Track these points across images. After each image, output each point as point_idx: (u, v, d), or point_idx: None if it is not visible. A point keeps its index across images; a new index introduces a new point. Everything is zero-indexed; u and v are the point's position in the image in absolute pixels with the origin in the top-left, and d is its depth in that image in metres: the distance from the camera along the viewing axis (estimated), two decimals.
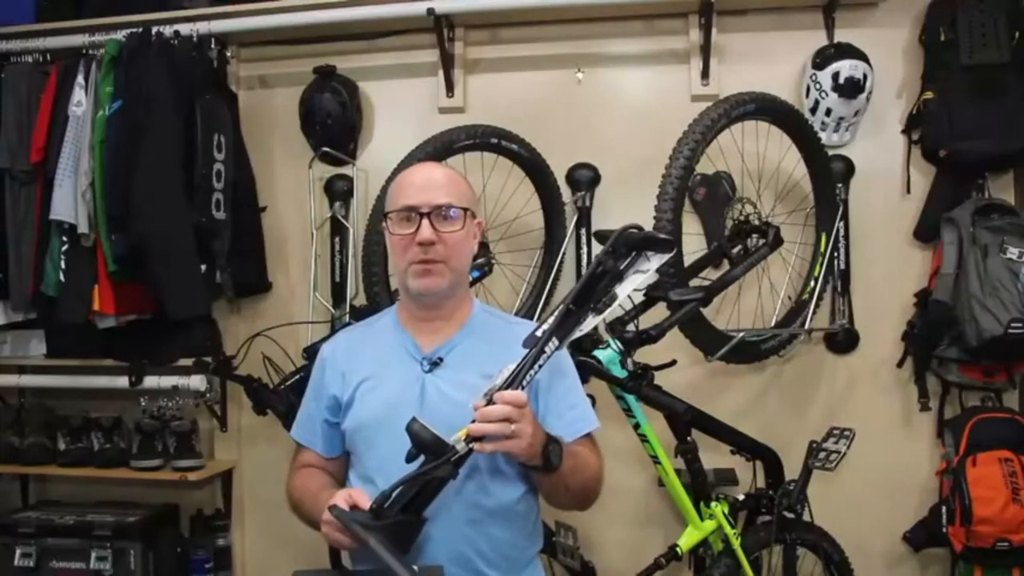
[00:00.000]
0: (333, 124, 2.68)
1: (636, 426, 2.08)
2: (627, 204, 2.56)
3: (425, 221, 1.44)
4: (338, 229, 2.73)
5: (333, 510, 1.27)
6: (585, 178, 2.63)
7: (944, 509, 2.33)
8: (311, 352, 2.25)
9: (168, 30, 2.58)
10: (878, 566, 2.51)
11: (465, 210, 1.48)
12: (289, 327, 2.56)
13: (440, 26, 2.58)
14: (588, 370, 1.92)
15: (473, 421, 1.25)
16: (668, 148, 2.07)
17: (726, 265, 2.30)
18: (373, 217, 2.20)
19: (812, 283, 2.41)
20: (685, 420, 2.14)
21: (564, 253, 2.55)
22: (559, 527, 2.28)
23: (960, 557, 2.33)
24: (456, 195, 1.48)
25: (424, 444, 1.23)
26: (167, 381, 2.69)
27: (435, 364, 1.48)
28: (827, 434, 2.25)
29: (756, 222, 2.37)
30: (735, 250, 2.32)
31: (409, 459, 1.25)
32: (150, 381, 2.70)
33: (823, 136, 2.45)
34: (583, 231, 2.62)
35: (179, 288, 2.43)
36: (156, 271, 2.40)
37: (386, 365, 1.51)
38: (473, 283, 2.22)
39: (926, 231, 2.51)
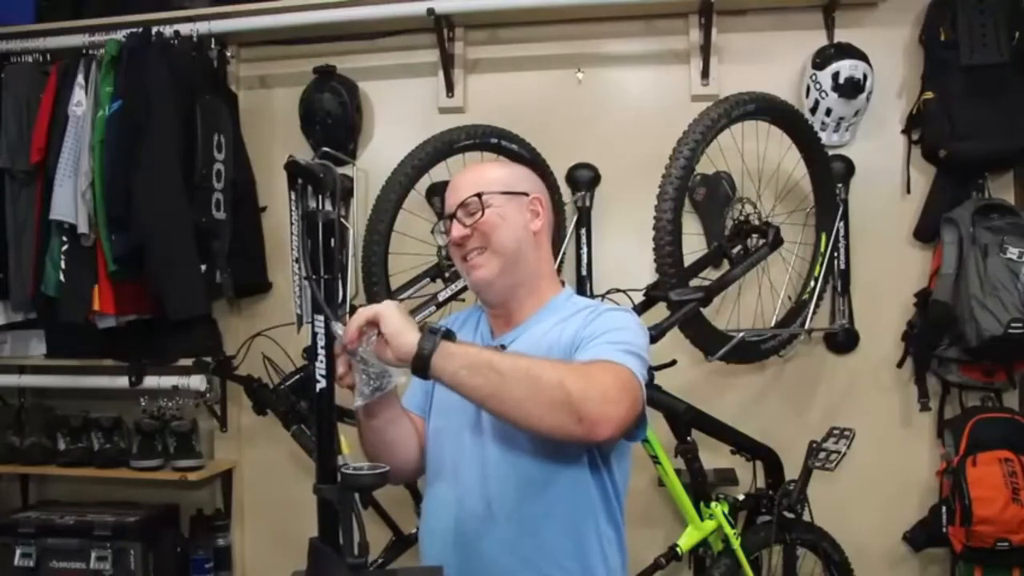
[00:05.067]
0: (333, 124, 2.68)
1: None
2: (627, 204, 2.57)
3: (454, 222, 1.43)
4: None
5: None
6: (585, 178, 2.63)
7: (944, 509, 2.33)
8: (311, 352, 2.25)
9: (168, 30, 2.58)
10: (878, 566, 2.51)
11: (486, 195, 1.41)
12: (289, 327, 2.56)
13: (440, 26, 2.58)
14: None
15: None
16: (668, 148, 2.07)
17: (726, 265, 2.30)
18: (373, 217, 2.20)
19: (812, 283, 2.41)
20: (685, 420, 2.15)
21: (564, 253, 2.55)
22: None
23: (960, 557, 2.33)
24: (480, 183, 1.44)
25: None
26: (167, 381, 2.69)
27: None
28: (827, 434, 2.24)
29: (756, 222, 2.37)
30: (735, 250, 2.31)
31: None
32: (150, 381, 2.71)
33: (823, 136, 2.44)
34: (583, 231, 2.62)
35: (179, 288, 2.43)
36: (156, 271, 2.40)
37: None
38: None
39: (926, 231, 2.51)
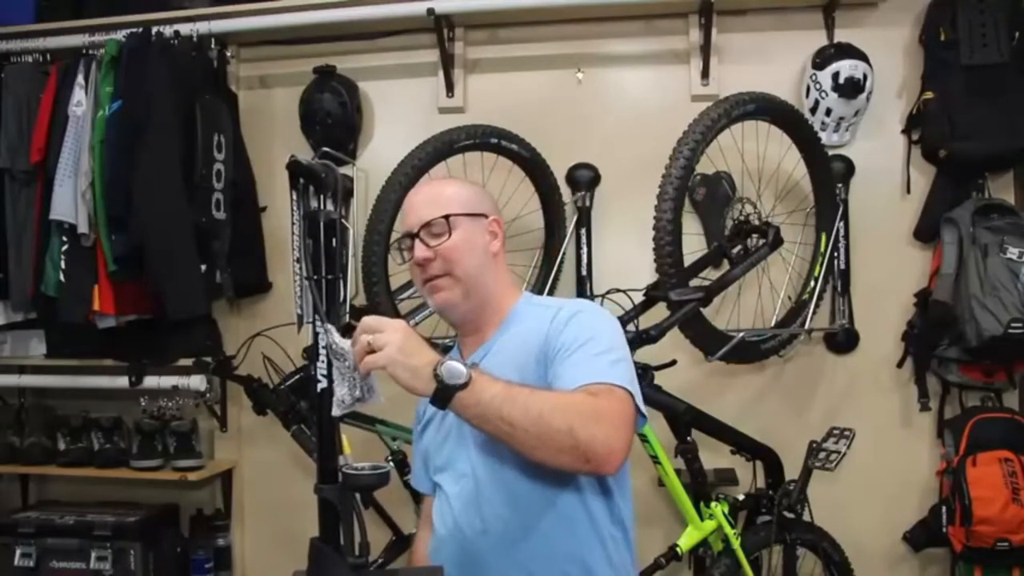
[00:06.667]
0: (333, 124, 2.68)
1: None
2: (627, 204, 2.57)
3: (417, 242, 1.42)
4: None
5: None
6: (585, 178, 2.63)
7: (944, 509, 2.33)
8: (312, 352, 2.25)
9: (168, 30, 2.58)
10: (878, 566, 2.51)
11: (452, 217, 1.41)
12: (289, 327, 2.55)
13: (440, 26, 2.58)
14: None
15: None
16: (668, 148, 2.07)
17: (726, 265, 2.30)
18: (373, 217, 2.20)
19: (812, 283, 2.41)
20: (685, 420, 2.15)
21: (564, 253, 2.55)
22: None
23: (960, 557, 2.33)
24: (444, 204, 1.43)
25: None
26: (167, 381, 2.69)
27: None
28: (827, 434, 2.25)
29: (756, 222, 2.37)
30: (735, 250, 2.31)
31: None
32: (150, 381, 2.71)
33: (823, 136, 2.44)
34: (583, 231, 2.62)
35: (179, 288, 2.43)
36: (156, 271, 2.40)
37: None
38: None
39: (926, 231, 2.51)
